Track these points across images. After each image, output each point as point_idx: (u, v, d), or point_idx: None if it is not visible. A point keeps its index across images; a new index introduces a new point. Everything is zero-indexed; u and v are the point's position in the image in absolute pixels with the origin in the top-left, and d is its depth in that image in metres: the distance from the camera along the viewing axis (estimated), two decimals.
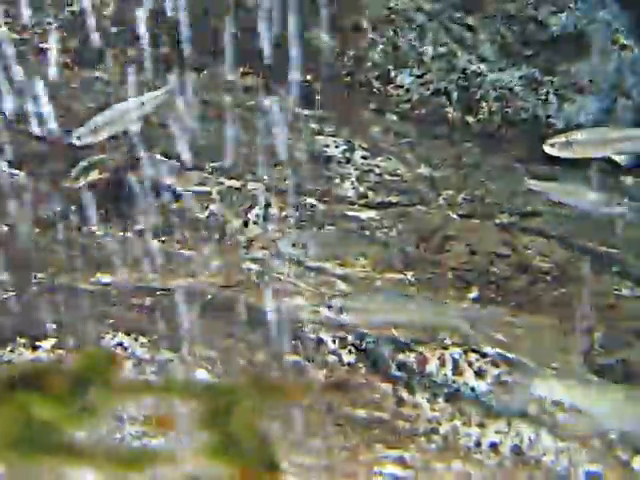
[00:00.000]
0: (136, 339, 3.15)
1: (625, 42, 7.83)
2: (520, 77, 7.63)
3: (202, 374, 3.09)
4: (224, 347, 3.37)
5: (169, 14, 7.51)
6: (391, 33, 7.56)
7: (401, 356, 3.59)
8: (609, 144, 3.97)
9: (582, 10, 7.84)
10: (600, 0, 7.92)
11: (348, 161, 6.26)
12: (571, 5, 7.83)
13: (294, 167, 5.93)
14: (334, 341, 3.56)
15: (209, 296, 3.71)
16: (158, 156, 5.77)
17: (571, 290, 5.04)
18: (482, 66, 7.60)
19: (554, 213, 6.28)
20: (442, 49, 7.60)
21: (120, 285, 3.56)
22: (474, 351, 3.75)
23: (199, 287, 3.86)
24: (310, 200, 5.51)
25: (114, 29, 7.29)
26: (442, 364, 3.62)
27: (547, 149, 4.06)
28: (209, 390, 1.10)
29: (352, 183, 5.96)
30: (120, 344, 3.15)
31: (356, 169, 6.17)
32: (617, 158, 3.93)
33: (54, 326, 3.22)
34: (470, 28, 7.82)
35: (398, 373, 3.52)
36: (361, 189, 5.93)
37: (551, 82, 7.66)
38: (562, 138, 4.16)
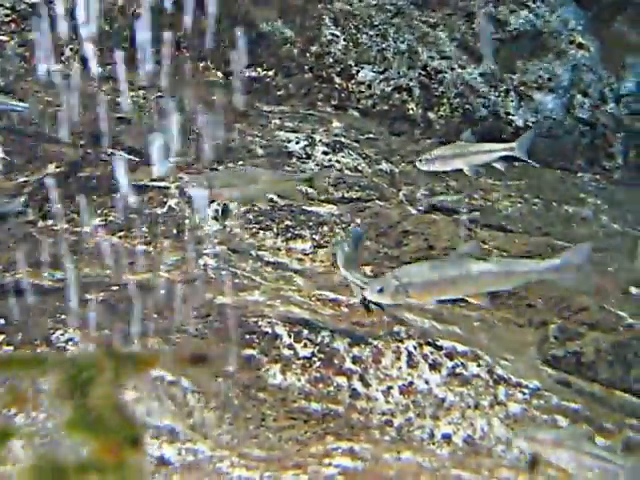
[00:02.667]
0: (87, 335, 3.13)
1: (582, 41, 7.97)
2: (480, 74, 7.71)
3: (154, 369, 3.08)
4: (177, 342, 3.35)
5: (131, 9, 7.45)
6: (353, 29, 7.58)
7: (356, 350, 3.61)
8: (462, 158, 4.54)
9: (540, 9, 7.95)
10: (558, 0, 8.04)
11: (309, 157, 6.27)
12: (530, 4, 7.94)
13: (255, 162, 5.93)
14: (290, 335, 3.57)
15: (162, 291, 3.69)
16: (118, 151, 5.72)
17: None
18: (443, 63, 7.67)
19: (514, 208, 6.38)
20: (403, 46, 7.64)
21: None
22: (429, 344, 3.80)
23: (155, 282, 3.84)
24: (270, 195, 5.50)
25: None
26: (397, 357, 3.65)
27: (418, 165, 4.57)
28: (68, 364, 1.09)
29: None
30: (71, 339, 3.12)
31: (317, 165, 6.18)
32: (465, 169, 4.40)
33: (2, 321, 3.18)
34: (431, 25, 7.88)
35: (353, 367, 3.54)
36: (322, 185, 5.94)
37: (511, 79, 7.76)
38: (427, 155, 4.67)
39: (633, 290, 5.22)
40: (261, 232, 5.03)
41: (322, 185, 3.87)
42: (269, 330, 3.56)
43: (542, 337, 4.46)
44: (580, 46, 8.01)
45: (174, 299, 3.69)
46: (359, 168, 6.32)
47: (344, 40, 7.50)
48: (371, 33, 7.63)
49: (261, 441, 2.97)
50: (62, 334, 3.16)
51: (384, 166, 6.48)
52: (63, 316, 3.31)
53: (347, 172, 6.21)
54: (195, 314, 3.59)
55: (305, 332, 3.60)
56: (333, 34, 7.53)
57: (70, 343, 3.09)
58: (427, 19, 7.90)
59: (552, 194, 6.77)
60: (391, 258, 4.90)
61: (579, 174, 7.50)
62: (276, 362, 3.45)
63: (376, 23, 7.65)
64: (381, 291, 2.73)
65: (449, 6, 8.03)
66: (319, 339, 3.60)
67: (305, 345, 3.55)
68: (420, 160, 4.65)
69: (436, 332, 4.08)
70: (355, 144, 6.70)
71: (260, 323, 3.61)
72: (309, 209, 5.36)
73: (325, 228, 5.11)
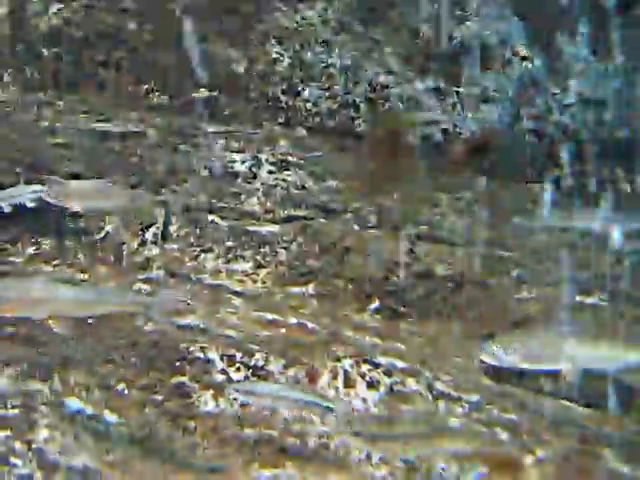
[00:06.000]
0: (1, 370, 3.00)
1: (525, 53, 8.06)
2: (426, 88, 7.75)
3: (74, 402, 2.96)
4: (103, 373, 3.25)
5: (69, 32, 7.36)
6: (298, 47, 7.58)
7: (292, 371, 3.54)
8: None
9: (483, 23, 8.03)
10: (500, 13, 8.13)
11: (255, 176, 6.20)
12: (472, 17, 8.02)
13: (197, 184, 5.85)
14: (222, 359, 3.48)
15: (90, 320, 3.58)
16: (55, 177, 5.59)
17: (472, 296, 5.10)
18: (389, 78, 7.70)
19: (462, 221, 6.37)
20: (348, 62, 7.66)
21: None
22: (367, 362, 3.74)
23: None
24: (212, 217, 5.43)
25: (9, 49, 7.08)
26: (334, 377, 3.59)
27: None
28: None
29: (258, 199, 5.90)
30: None
31: (262, 184, 6.11)
32: None
33: None
34: (376, 41, 7.92)
35: None
36: (268, 204, 5.88)
37: (457, 92, 7.81)
38: None
39: (577, 298, 5.24)
40: (202, 254, 4.95)
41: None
42: (201, 355, 3.47)
43: None
44: (524, 58, 8.11)
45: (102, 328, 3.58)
46: (305, 186, 6.27)
47: (289, 58, 7.49)
48: (316, 50, 7.63)
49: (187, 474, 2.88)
50: None
51: (331, 183, 6.44)
52: None
53: (293, 190, 6.16)
54: (122, 342, 3.49)
55: (238, 355, 3.52)
56: (278, 52, 7.52)
57: None
58: (371, 35, 7.93)
59: (500, 205, 6.79)
60: (333, 276, 4.85)
61: (528, 184, 7.53)
62: (208, 388, 3.36)
63: (320, 40, 7.66)
64: None
65: (393, 21, 8.08)
66: (253, 362, 3.52)
67: (238, 369, 3.47)
68: None
69: (376, 349, 4.03)
70: (302, 162, 6.65)
71: (192, 348, 3.52)
72: (251, 229, 5.30)
73: (267, 248, 5.04)
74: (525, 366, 3.45)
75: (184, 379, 3.36)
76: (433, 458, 3.24)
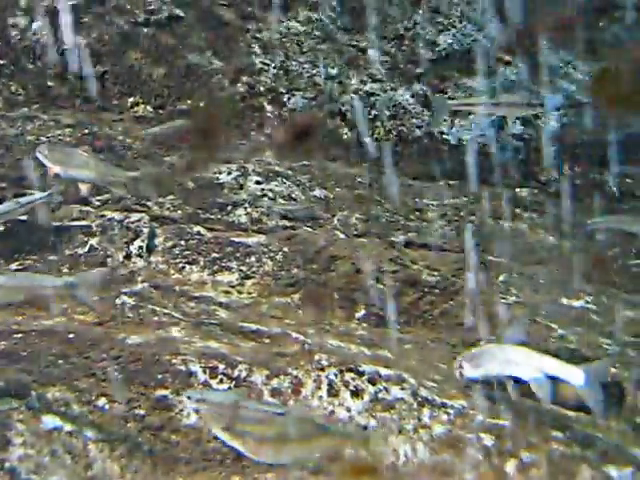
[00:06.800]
0: None
1: (509, 58, 8.09)
2: (412, 95, 7.77)
3: (51, 419, 2.94)
4: (83, 388, 3.22)
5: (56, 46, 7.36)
6: (283, 57, 7.59)
7: (275, 382, 3.53)
8: None
9: (467, 29, 8.06)
10: (483, 19, 8.16)
11: (241, 187, 6.20)
12: (456, 24, 8.05)
13: (184, 196, 5.84)
14: (205, 371, 3.47)
15: (71, 335, 3.56)
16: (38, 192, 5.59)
17: (458, 302, 5.10)
18: (374, 86, 7.71)
19: (450, 227, 6.37)
20: (334, 71, 7.67)
21: None
22: (351, 370, 3.72)
23: (66, 326, 3.71)
24: (198, 228, 5.42)
25: None
26: (318, 386, 3.57)
27: None
28: None
29: (245, 209, 5.90)
30: None
31: (249, 194, 6.11)
32: None
33: None
34: (360, 49, 7.94)
35: (271, 399, 3.45)
36: (254, 214, 5.87)
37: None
38: None
39: (564, 301, 5.24)
40: (187, 266, 4.93)
41: None
42: (183, 368, 3.46)
43: None
44: (508, 63, 8.14)
45: (84, 342, 3.56)
46: (292, 196, 6.27)
47: (274, 68, 7.51)
48: (301, 60, 7.65)
49: None
50: None
51: (318, 192, 6.44)
52: None
53: (280, 200, 6.15)
54: (104, 356, 3.47)
55: (221, 367, 3.50)
56: (263, 62, 7.53)
57: None
58: (356, 43, 7.95)
59: (488, 211, 6.79)
60: (319, 284, 4.84)
61: (516, 189, 7.54)
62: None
63: (305, 49, 7.67)
64: None
65: (378, 29, 8.10)
66: (236, 373, 3.51)
67: (221, 381, 3.46)
68: None
69: (362, 357, 4.01)
70: (289, 172, 6.65)
71: (174, 361, 3.50)
72: (237, 240, 5.28)
73: (252, 259, 5.03)
74: (472, 376, 3.48)
75: (166, 392, 3.34)
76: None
